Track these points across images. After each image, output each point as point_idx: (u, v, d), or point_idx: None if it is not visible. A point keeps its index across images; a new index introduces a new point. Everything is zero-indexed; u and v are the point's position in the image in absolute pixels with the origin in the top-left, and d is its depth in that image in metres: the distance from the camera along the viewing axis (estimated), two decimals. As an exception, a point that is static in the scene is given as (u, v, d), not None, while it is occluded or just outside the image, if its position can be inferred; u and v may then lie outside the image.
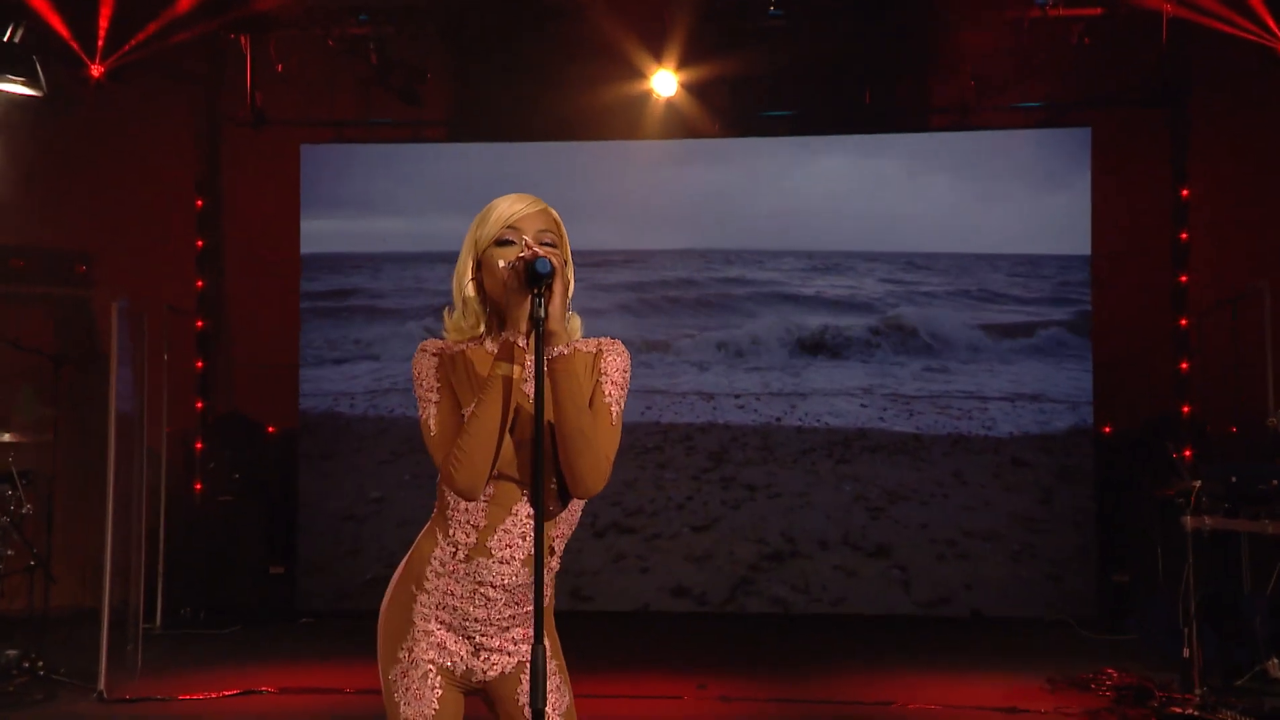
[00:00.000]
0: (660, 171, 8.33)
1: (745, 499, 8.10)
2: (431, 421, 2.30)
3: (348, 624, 7.76)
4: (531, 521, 2.28)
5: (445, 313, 2.41)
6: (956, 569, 7.86)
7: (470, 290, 2.35)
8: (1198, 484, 5.57)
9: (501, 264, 2.27)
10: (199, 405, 8.59)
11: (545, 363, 2.21)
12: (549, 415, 2.23)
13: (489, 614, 2.32)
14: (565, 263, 2.35)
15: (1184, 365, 7.93)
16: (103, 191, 8.20)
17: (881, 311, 8.23)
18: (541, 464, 2.13)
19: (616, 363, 2.36)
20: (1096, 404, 7.82)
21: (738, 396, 8.21)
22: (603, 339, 2.40)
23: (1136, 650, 6.71)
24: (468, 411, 2.24)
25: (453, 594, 2.32)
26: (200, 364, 8.64)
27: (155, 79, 8.07)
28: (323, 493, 8.28)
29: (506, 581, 2.30)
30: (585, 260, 2.82)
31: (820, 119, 8.40)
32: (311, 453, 8.33)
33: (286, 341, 8.38)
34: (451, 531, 2.31)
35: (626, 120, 8.18)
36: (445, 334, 2.40)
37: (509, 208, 2.32)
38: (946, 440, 8.01)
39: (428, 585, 2.34)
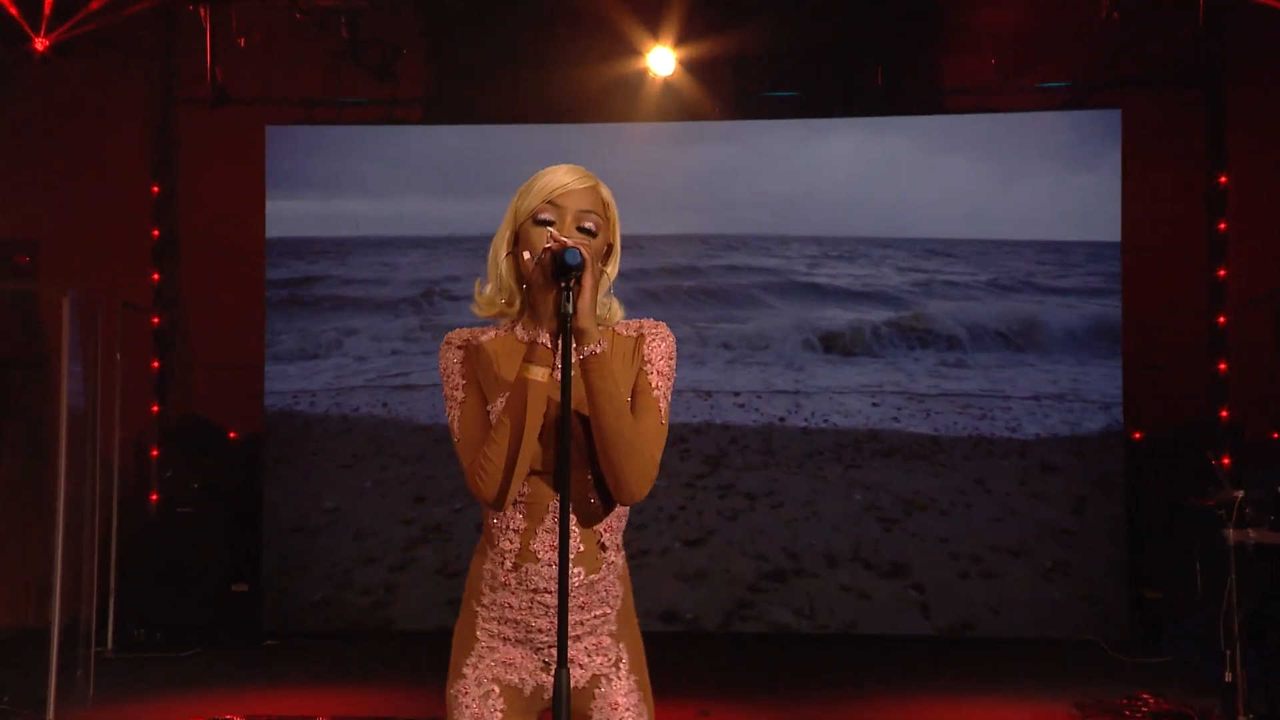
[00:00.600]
0: (657, 154, 8.22)
1: (744, 509, 7.97)
2: (456, 425, 2.28)
3: (314, 645, 7.68)
4: (572, 517, 2.26)
5: (477, 284, 2.36)
6: (981, 588, 7.70)
7: (505, 266, 2.31)
8: (1240, 494, 5.53)
9: (526, 256, 2.23)
10: (155, 408, 8.48)
11: (577, 363, 2.16)
12: (587, 416, 2.21)
13: (553, 624, 2.28)
14: (610, 248, 2.31)
15: (1222, 366, 7.89)
16: (49, 176, 8.09)
17: (895, 301, 8.11)
18: (568, 478, 2.07)
19: (661, 348, 2.31)
20: (1127, 406, 7.75)
21: (737, 394, 8.10)
22: (645, 321, 2.34)
23: (1172, 673, 6.67)
24: (493, 410, 2.22)
25: (510, 606, 2.30)
26: (156, 363, 8.54)
27: (106, 53, 7.97)
28: (278, 501, 8.14)
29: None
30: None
31: (828, 100, 8.35)
32: (268, 455, 8.22)
33: (250, 340, 8.27)
34: (497, 541, 2.30)
35: (620, 101, 8.11)
36: (475, 306, 2.35)
37: (553, 180, 2.26)
38: (967, 443, 7.89)
39: (485, 600, 2.34)
